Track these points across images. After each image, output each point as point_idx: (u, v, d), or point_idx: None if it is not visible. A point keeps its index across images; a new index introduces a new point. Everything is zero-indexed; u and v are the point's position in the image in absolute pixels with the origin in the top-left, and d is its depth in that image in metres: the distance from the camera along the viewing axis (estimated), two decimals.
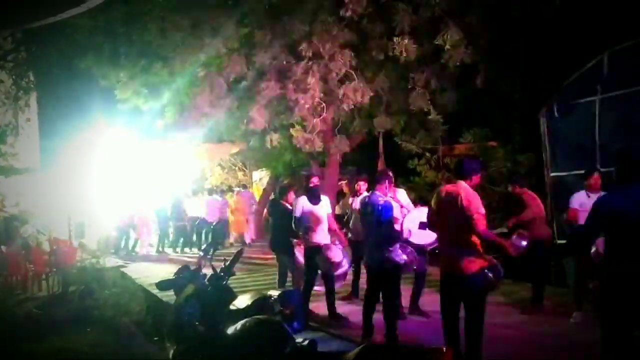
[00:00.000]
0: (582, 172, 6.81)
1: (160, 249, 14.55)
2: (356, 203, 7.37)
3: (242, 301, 4.34)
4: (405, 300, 6.88)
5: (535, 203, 6.80)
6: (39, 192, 14.34)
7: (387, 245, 5.57)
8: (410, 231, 6.28)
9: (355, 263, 7.80)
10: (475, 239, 4.49)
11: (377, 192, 5.81)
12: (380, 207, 5.59)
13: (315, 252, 6.69)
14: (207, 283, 4.23)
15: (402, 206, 6.95)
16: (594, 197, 5.96)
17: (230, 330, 3.57)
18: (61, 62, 12.52)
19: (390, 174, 6.97)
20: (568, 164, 8.08)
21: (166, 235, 15.00)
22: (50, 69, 12.72)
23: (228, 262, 4.34)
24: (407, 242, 6.66)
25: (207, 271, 4.60)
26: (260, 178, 19.32)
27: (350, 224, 7.88)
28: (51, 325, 8.13)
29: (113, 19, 11.11)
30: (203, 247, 12.23)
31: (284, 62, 10.58)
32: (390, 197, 6.79)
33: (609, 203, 3.70)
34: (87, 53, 12.07)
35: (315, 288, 6.99)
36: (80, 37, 11.64)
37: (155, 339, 6.66)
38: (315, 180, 7.09)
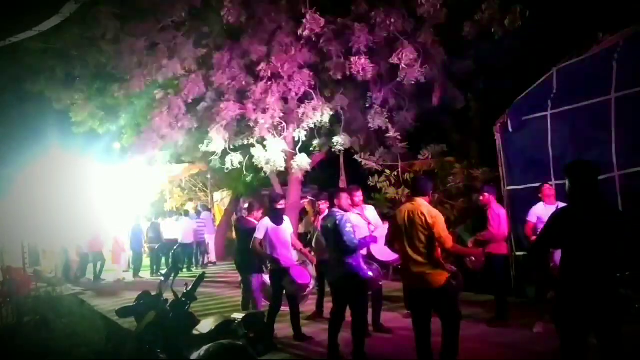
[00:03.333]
0: (537, 185, 7.06)
1: (136, 273, 14.26)
2: (319, 222, 7.38)
3: (206, 326, 4.27)
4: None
5: (497, 223, 6.97)
6: None
7: (348, 259, 5.59)
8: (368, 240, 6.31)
9: (320, 282, 7.81)
10: (439, 253, 4.59)
11: (335, 209, 5.84)
12: (338, 221, 5.63)
13: (281, 274, 6.66)
14: (168, 309, 4.15)
15: (369, 223, 7.03)
16: (551, 208, 6.17)
17: (194, 356, 3.50)
18: (12, 85, 12.19)
19: (357, 190, 7.06)
20: (523, 177, 8.28)
21: (140, 259, 14.70)
22: (1, 93, 12.38)
23: (190, 287, 4.27)
24: (372, 259, 6.73)
25: (170, 295, 4.52)
26: (222, 199, 19.16)
27: (313, 243, 7.87)
28: (6, 358, 7.77)
29: (66, 42, 10.90)
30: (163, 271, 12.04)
31: (243, 83, 10.57)
32: (358, 213, 6.87)
33: (562, 216, 3.81)
34: (40, 76, 11.79)
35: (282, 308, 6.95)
36: (32, 60, 11.37)
37: None
38: (282, 203, 7.06)
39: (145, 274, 14.47)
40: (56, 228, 14.68)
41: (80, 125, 12.66)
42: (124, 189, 16.46)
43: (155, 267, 14.54)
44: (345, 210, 5.82)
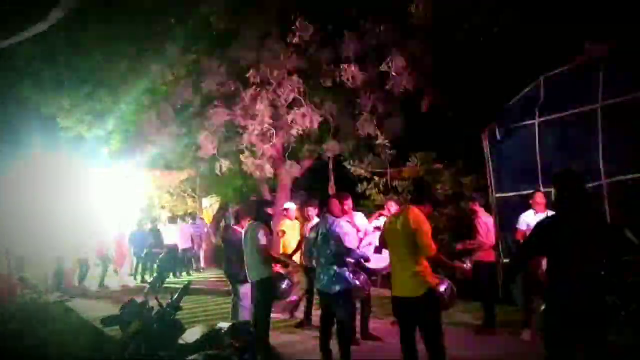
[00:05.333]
0: (526, 192, 7.08)
1: (141, 277, 14.16)
2: (307, 229, 7.36)
3: (192, 335, 4.22)
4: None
5: (484, 231, 6.99)
6: None
7: (336, 265, 5.58)
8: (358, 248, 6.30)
9: (309, 289, 7.77)
10: (423, 260, 4.57)
11: (327, 215, 5.84)
12: (329, 225, 5.60)
13: (274, 281, 6.63)
14: (153, 318, 4.09)
15: (358, 230, 7.01)
16: (541, 216, 6.20)
17: None
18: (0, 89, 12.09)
19: (347, 198, 7.05)
20: (512, 185, 8.31)
21: (143, 262, 14.60)
22: None
23: (175, 296, 4.22)
24: (361, 266, 6.70)
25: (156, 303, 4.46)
26: (210, 205, 19.08)
27: (302, 250, 7.85)
28: None
29: (55, 46, 10.82)
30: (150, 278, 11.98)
31: (232, 89, 10.55)
32: (347, 220, 6.86)
33: (548, 224, 3.82)
34: (27, 81, 11.69)
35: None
36: (19, 64, 11.28)
37: None
38: (270, 210, 7.03)
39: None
40: (43, 234, 14.53)
41: (68, 130, 12.56)
42: (113, 194, 16.36)
43: (142, 273, 14.43)
44: (336, 217, 5.82)
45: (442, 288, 4.73)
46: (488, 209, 7.69)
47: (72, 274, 14.29)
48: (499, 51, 8.66)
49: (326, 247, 5.63)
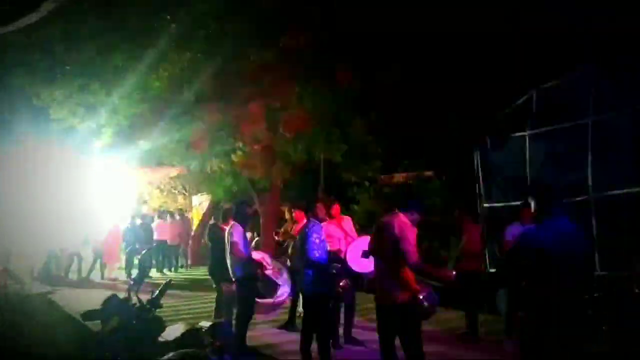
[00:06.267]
0: (515, 204, 7.10)
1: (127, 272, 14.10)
2: (296, 230, 7.35)
3: (172, 332, 4.21)
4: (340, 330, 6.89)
5: (471, 238, 7.01)
6: None
7: (312, 268, 5.58)
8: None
9: (293, 291, 7.75)
10: (406, 268, 4.57)
11: (311, 218, 5.84)
12: (306, 230, 5.63)
13: (255, 281, 6.62)
14: (133, 314, 4.07)
15: (346, 234, 7.01)
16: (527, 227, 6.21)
17: None
18: None
19: (334, 202, 7.05)
20: (501, 195, 8.36)
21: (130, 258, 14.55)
22: None
23: (156, 293, 4.20)
24: (348, 271, 6.70)
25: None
26: (200, 202, 19.01)
27: (289, 251, 7.83)
28: None
29: (49, 37, 10.75)
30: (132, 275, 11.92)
31: (226, 89, 10.52)
32: (335, 225, 6.87)
33: (530, 237, 3.83)
34: (20, 70, 11.60)
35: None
36: (13, 54, 11.20)
37: None
38: (249, 210, 7.04)
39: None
40: (30, 226, 14.44)
41: (59, 122, 12.47)
42: (102, 188, 16.29)
43: (129, 268, 14.39)
44: (321, 221, 5.81)
45: (423, 296, 4.73)
46: (476, 218, 7.72)
47: (64, 267, 14.28)
48: (492, 62, 8.72)
49: (303, 250, 5.67)
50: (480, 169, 8.82)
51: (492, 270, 7.94)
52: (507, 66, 8.73)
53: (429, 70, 9.55)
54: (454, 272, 5.62)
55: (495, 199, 8.54)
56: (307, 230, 5.63)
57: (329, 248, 6.53)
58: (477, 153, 8.80)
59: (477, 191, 8.89)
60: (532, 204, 3.90)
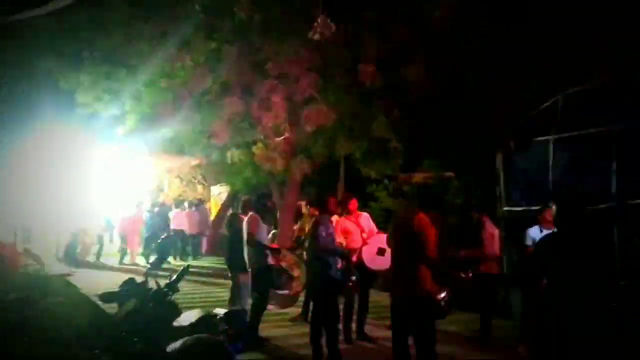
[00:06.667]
0: (535, 208, 7.00)
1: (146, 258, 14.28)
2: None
3: (187, 318, 4.26)
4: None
5: (489, 241, 6.94)
6: None
7: (319, 262, 5.60)
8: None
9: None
10: (423, 266, 4.56)
11: (323, 213, 5.86)
12: (314, 225, 5.67)
13: (270, 271, 6.66)
14: (149, 297, 4.12)
15: (362, 230, 7.01)
16: (547, 232, 6.14)
17: (170, 347, 3.49)
18: (21, 60, 12.19)
19: (352, 198, 7.05)
20: (522, 199, 8.27)
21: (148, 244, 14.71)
22: (9, 68, 12.38)
23: (174, 278, 4.25)
24: (363, 267, 6.70)
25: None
26: (219, 193, 19.14)
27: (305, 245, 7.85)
28: None
29: (78, 22, 10.90)
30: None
31: (250, 79, 10.56)
32: (352, 221, 6.88)
33: (550, 243, 3.79)
34: (49, 54, 11.79)
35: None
36: (43, 38, 11.38)
37: (96, 352, 6.41)
38: (270, 202, 7.12)
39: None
40: (51, 207, 14.71)
41: (85, 106, 12.65)
42: (124, 174, 16.51)
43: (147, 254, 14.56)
44: (332, 215, 5.84)
45: (440, 296, 4.71)
46: (495, 221, 7.65)
47: (86, 249, 14.53)
48: (519, 64, 8.61)
49: (310, 244, 5.71)
50: (501, 171, 8.74)
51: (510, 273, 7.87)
52: (533, 69, 8.61)
53: (454, 69, 9.45)
54: (470, 274, 5.62)
55: (516, 202, 8.45)
56: (315, 223, 5.68)
57: (345, 245, 6.57)
58: (499, 156, 8.72)
59: (497, 194, 8.81)
60: (553, 209, 3.86)
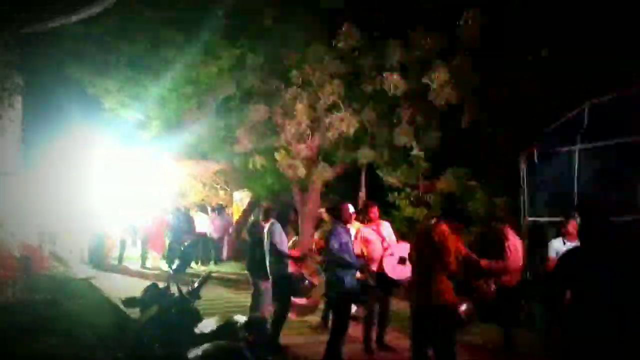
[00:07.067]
0: (559, 219, 6.90)
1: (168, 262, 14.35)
2: None
3: (208, 325, 4.28)
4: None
5: (512, 254, 6.84)
6: (15, 195, 14.10)
7: (330, 271, 5.60)
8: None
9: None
10: (444, 277, 4.53)
11: (336, 222, 5.87)
12: (327, 235, 5.68)
13: (289, 280, 6.68)
14: (171, 304, 4.16)
15: (383, 239, 6.98)
16: (570, 245, 6.03)
17: (191, 354, 3.51)
18: (50, 67, 12.46)
19: (373, 206, 7.02)
20: (545, 209, 8.15)
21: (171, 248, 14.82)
22: (38, 74, 12.65)
23: (196, 285, 4.28)
24: (384, 276, 6.67)
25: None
26: (241, 198, 19.24)
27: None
28: (14, 333, 7.87)
29: (106, 30, 11.12)
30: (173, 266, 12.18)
31: (274, 87, 10.65)
32: (373, 229, 6.86)
33: (572, 257, 3.72)
34: (77, 61, 12.03)
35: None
36: (71, 45, 11.63)
37: (119, 355, 6.50)
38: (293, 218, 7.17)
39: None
40: (77, 211, 14.97)
41: (110, 111, 12.88)
42: (147, 178, 16.70)
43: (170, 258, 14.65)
44: (346, 223, 5.83)
45: (462, 308, 4.67)
46: (519, 232, 7.54)
47: (109, 252, 14.70)
48: (544, 73, 8.51)
49: (325, 255, 5.72)
50: (525, 181, 8.63)
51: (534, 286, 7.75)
52: (559, 77, 8.50)
53: (478, 77, 9.37)
54: (493, 286, 5.55)
55: (539, 213, 8.34)
56: (328, 234, 5.69)
57: (366, 253, 6.56)
58: (523, 165, 8.61)
59: (520, 204, 8.70)
60: (578, 221, 3.80)
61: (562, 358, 3.64)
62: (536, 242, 7.55)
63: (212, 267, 14.96)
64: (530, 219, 8.24)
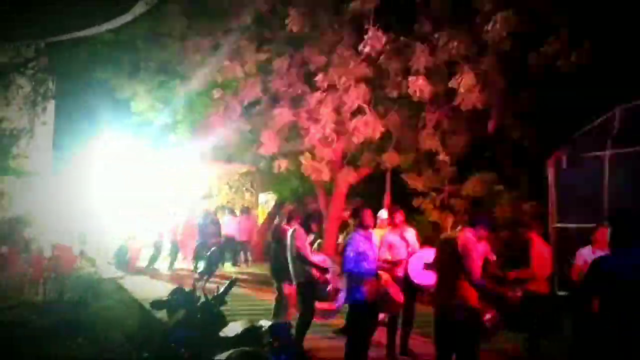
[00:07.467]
0: (588, 225, 6.77)
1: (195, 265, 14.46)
2: None
3: (233, 329, 4.32)
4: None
5: (540, 259, 6.73)
6: (47, 196, 14.44)
7: (347, 277, 5.62)
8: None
9: None
10: (468, 285, 4.50)
11: (356, 228, 5.85)
12: (344, 243, 5.72)
13: (314, 283, 6.69)
14: (198, 309, 4.22)
15: (408, 245, 6.96)
16: (600, 253, 5.92)
17: (216, 359, 3.56)
18: (81, 72, 12.75)
19: (398, 211, 6.99)
20: (573, 216, 8.03)
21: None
22: (69, 79, 12.96)
23: (221, 290, 4.33)
24: (408, 281, 6.65)
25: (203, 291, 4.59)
26: (266, 201, 19.36)
27: None
28: (43, 332, 8.05)
29: (135, 35, 11.34)
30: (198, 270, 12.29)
31: (299, 91, 10.70)
32: (397, 234, 6.85)
33: (604, 265, 3.66)
34: (107, 65, 12.29)
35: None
36: (101, 50, 11.89)
37: (145, 355, 6.60)
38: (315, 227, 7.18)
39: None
40: (107, 211, 15.25)
41: (139, 115, 13.12)
42: (173, 180, 16.92)
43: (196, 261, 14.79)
44: (367, 228, 5.80)
45: (486, 317, 4.63)
46: (546, 238, 7.43)
47: (135, 254, 14.87)
48: (573, 77, 8.37)
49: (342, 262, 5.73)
50: (553, 187, 8.51)
51: (561, 293, 7.64)
52: (588, 81, 8.36)
53: (506, 80, 9.27)
54: (519, 293, 5.48)
55: (567, 219, 8.21)
56: (346, 242, 5.70)
57: (391, 258, 6.55)
58: (551, 170, 8.50)
59: (547, 210, 8.58)
60: (609, 229, 3.72)
61: None
62: (564, 249, 7.43)
63: (238, 269, 15.08)
64: (558, 225, 8.13)
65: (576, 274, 6.53)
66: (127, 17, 6.17)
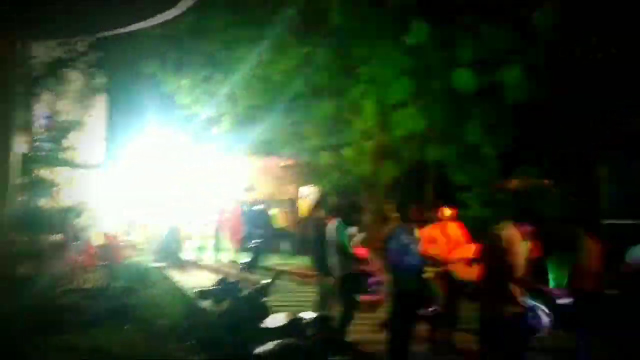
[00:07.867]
0: None
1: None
2: None
3: (276, 320, 4.37)
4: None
5: (590, 256, 6.53)
6: (98, 187, 14.89)
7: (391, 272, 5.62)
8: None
9: None
10: (512, 282, 4.42)
11: (400, 223, 5.83)
12: (385, 239, 5.75)
13: (357, 276, 6.71)
14: (243, 300, 4.28)
15: (449, 240, 6.89)
16: None
17: (259, 349, 3.60)
18: (130, 67, 13.06)
19: (442, 207, 6.91)
20: (626, 212, 7.77)
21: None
22: (119, 73, 13.30)
23: (266, 282, 4.38)
24: (451, 277, 6.58)
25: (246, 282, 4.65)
26: (308, 194, 19.44)
27: None
28: (91, 318, 8.32)
29: (180, 29, 11.51)
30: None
31: (342, 83, 10.66)
32: (440, 229, 6.79)
33: None
34: (153, 59, 12.54)
35: None
36: (147, 44, 12.12)
37: (188, 344, 6.74)
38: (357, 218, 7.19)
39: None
40: (154, 202, 15.63)
41: (184, 108, 13.35)
42: (218, 172, 17.18)
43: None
44: (410, 223, 5.76)
45: (540, 315, 4.53)
46: (596, 235, 7.19)
47: (182, 245, 15.18)
48: (628, 69, 8.06)
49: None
50: (605, 182, 8.25)
51: (610, 292, 7.39)
52: None
53: (555, 74, 9.00)
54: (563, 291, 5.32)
55: (620, 215, 7.95)
56: (388, 236, 5.66)
57: (430, 252, 6.49)
58: (605, 166, 8.24)
59: (598, 205, 8.32)
60: None
61: None
62: (617, 245, 7.19)
63: (281, 261, 15.19)
64: (610, 221, 7.88)
65: (628, 271, 6.33)
66: (174, 12, 6.29)
